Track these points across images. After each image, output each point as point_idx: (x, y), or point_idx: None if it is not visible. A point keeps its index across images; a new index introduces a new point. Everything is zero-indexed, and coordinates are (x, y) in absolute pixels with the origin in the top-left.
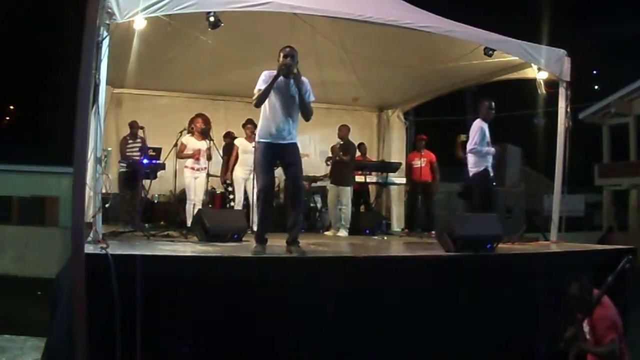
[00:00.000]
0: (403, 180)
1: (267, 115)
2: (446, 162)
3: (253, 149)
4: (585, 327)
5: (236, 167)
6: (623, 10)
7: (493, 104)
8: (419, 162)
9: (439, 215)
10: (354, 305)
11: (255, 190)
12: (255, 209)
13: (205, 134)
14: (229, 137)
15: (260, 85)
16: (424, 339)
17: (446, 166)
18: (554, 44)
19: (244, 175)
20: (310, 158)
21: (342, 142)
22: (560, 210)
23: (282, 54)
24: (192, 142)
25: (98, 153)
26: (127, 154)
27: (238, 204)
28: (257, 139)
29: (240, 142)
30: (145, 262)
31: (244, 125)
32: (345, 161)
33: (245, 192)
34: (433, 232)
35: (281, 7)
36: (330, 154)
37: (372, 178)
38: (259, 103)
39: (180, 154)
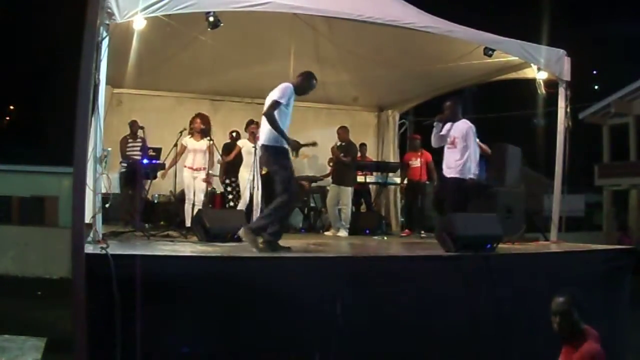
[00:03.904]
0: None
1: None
2: None
3: (253, 149)
4: None
5: (241, 168)
6: (623, 10)
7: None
8: (417, 162)
9: (437, 215)
10: (353, 305)
11: (283, 194)
12: (257, 208)
13: (205, 134)
14: (232, 137)
15: (282, 98)
16: (425, 338)
17: None
18: (554, 44)
19: (249, 176)
20: (311, 158)
21: (342, 143)
22: (560, 210)
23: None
24: (192, 143)
25: (98, 153)
26: (127, 153)
27: (243, 204)
28: (279, 144)
29: (244, 143)
30: (145, 262)
31: (247, 126)
32: (347, 162)
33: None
34: (423, 232)
35: (281, 7)
36: (330, 155)
37: (372, 178)
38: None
39: (177, 155)
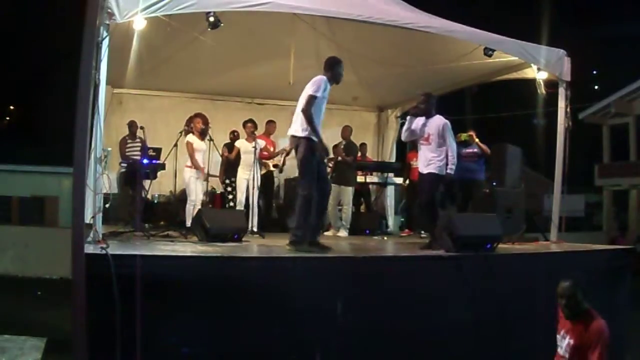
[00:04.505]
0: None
1: (319, 119)
2: None
3: (253, 149)
4: (564, 338)
5: (239, 168)
6: (623, 10)
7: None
8: (417, 162)
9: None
10: (353, 305)
11: (303, 190)
12: (254, 209)
13: (204, 134)
14: (233, 137)
15: (317, 92)
16: (425, 338)
17: None
18: (554, 44)
19: (246, 176)
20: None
21: (344, 143)
22: (560, 210)
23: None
24: (198, 143)
25: (98, 153)
26: (127, 153)
27: (239, 204)
28: (310, 136)
29: (241, 143)
30: (145, 262)
31: (244, 124)
32: (349, 162)
33: (247, 193)
34: (423, 232)
35: (281, 7)
36: (332, 155)
37: (372, 178)
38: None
39: (193, 156)
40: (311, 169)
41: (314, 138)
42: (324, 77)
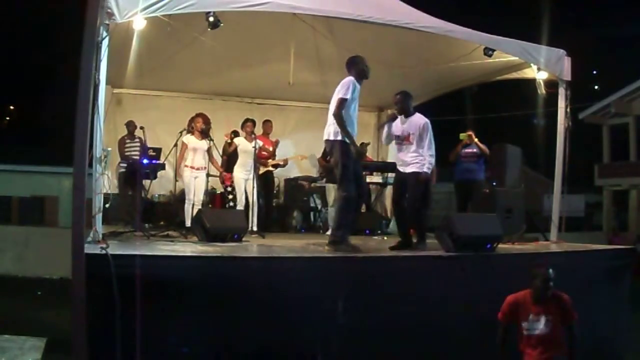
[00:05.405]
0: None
1: (351, 120)
2: (446, 163)
3: (253, 149)
4: (537, 320)
5: (236, 167)
6: (623, 10)
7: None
8: None
9: (437, 215)
10: (353, 306)
11: (343, 192)
12: (253, 208)
13: (205, 134)
14: (232, 137)
15: (346, 94)
16: (425, 338)
17: (446, 166)
18: (554, 44)
19: (243, 176)
20: (309, 159)
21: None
22: (560, 210)
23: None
24: (193, 142)
25: (98, 153)
26: (126, 153)
27: (240, 204)
28: (342, 139)
29: (240, 141)
30: (145, 262)
31: (243, 125)
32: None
33: (245, 193)
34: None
35: (281, 7)
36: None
37: (372, 178)
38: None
39: (181, 155)
40: (349, 171)
41: (347, 140)
42: (352, 78)
